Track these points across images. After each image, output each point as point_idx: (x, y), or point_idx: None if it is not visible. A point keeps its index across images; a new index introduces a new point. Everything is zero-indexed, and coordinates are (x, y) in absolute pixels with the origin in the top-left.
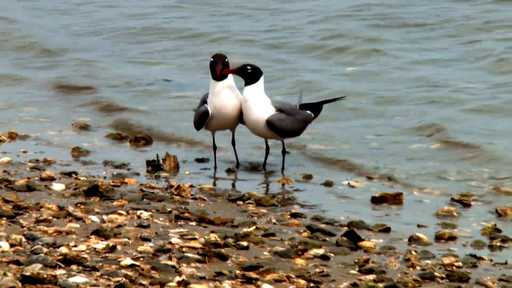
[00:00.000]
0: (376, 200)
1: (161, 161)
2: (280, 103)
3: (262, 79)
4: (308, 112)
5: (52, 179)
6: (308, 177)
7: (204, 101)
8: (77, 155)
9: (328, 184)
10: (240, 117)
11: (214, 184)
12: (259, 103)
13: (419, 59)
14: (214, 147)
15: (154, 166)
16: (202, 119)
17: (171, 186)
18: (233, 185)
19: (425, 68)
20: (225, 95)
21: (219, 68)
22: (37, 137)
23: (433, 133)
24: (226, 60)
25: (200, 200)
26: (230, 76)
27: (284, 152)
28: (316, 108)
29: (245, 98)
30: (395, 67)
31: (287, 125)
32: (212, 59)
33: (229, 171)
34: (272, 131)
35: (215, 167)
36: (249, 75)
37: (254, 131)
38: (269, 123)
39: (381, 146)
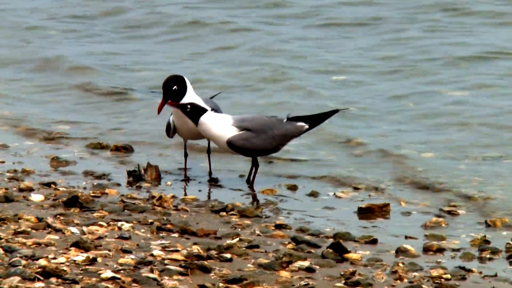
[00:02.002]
0: (363, 211)
1: (142, 171)
2: (244, 120)
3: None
4: (299, 124)
5: (30, 189)
6: (293, 188)
7: None
8: (56, 165)
9: (313, 194)
10: None
11: (197, 195)
12: (218, 125)
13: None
14: (185, 155)
15: (135, 176)
16: (167, 130)
17: (153, 197)
18: (216, 196)
19: None
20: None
21: (162, 99)
22: (15, 147)
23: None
24: (174, 88)
25: (183, 211)
26: (191, 90)
27: (254, 166)
28: (314, 119)
29: (202, 129)
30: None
31: (252, 143)
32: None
33: (212, 180)
34: (236, 152)
35: (185, 176)
36: (189, 113)
37: (223, 149)
38: (230, 144)
39: (368, 155)
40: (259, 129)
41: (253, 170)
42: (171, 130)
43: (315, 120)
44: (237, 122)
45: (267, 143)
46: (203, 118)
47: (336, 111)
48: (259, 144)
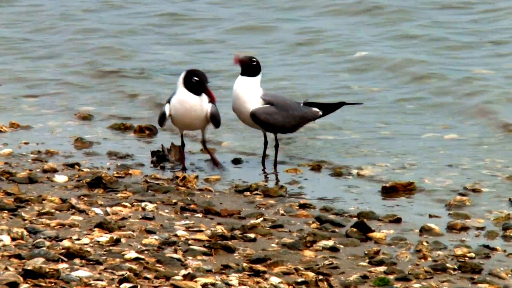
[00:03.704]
0: (387, 190)
1: (166, 152)
2: (271, 96)
3: (260, 75)
4: (314, 109)
5: (54, 171)
6: (317, 167)
7: (168, 100)
8: (80, 146)
9: (337, 174)
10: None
11: (220, 175)
12: (248, 94)
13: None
14: (182, 145)
15: (159, 157)
16: (161, 120)
17: (177, 177)
18: (240, 176)
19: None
20: (189, 102)
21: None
22: (39, 127)
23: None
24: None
25: (206, 191)
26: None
27: (276, 147)
28: (327, 107)
29: (236, 87)
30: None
31: (275, 119)
32: (196, 78)
33: (235, 161)
34: (257, 124)
35: (183, 168)
36: (251, 67)
37: (243, 121)
38: (254, 116)
39: (392, 136)
40: (282, 107)
41: (275, 151)
42: (164, 120)
43: (328, 108)
44: (265, 95)
45: (286, 122)
46: (252, 78)
47: (346, 103)
48: (280, 120)
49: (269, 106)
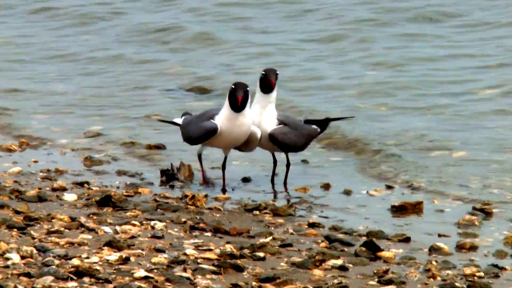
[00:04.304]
0: (396, 209)
1: (175, 170)
2: (284, 116)
3: (275, 91)
4: (314, 127)
5: (63, 189)
6: (326, 186)
7: (211, 117)
8: (89, 165)
9: (346, 193)
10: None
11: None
12: (265, 114)
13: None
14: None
15: (168, 176)
16: (208, 135)
17: (186, 196)
18: (249, 195)
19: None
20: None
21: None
22: (49, 146)
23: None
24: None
25: (216, 210)
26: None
27: (288, 166)
28: (322, 124)
29: (256, 106)
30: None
31: (290, 139)
32: (233, 87)
33: (244, 180)
34: (275, 145)
35: (206, 181)
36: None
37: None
38: (272, 136)
39: (401, 153)
40: (294, 126)
41: (286, 170)
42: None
43: (324, 125)
44: (279, 115)
45: (298, 140)
46: (270, 95)
47: (342, 118)
48: (295, 140)
49: (284, 126)
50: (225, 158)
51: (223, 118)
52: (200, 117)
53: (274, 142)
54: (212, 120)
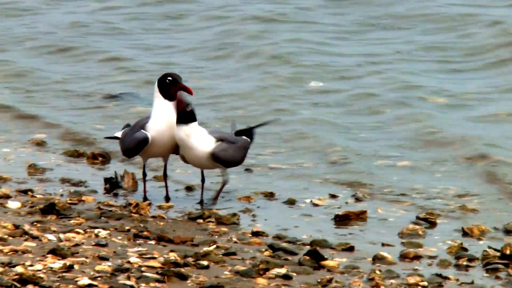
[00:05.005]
0: (340, 218)
1: (119, 178)
2: (218, 132)
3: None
4: (245, 138)
5: (7, 197)
6: (270, 195)
7: (141, 127)
8: (33, 172)
9: (290, 201)
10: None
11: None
12: (198, 137)
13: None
14: (144, 175)
15: (112, 184)
16: (139, 147)
17: (130, 204)
18: (193, 203)
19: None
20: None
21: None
22: None
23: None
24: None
25: (160, 219)
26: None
27: (224, 181)
28: (250, 133)
29: (183, 135)
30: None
31: (231, 155)
32: (169, 78)
33: (188, 189)
34: (217, 163)
35: (145, 197)
36: (188, 114)
37: (196, 164)
38: (214, 155)
39: (345, 162)
40: (231, 141)
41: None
42: (144, 147)
43: (251, 135)
44: (212, 133)
45: (238, 155)
46: (193, 125)
47: (263, 123)
48: (235, 155)
49: (222, 143)
50: (165, 166)
51: (152, 125)
52: (132, 128)
53: (217, 161)
54: (142, 130)
